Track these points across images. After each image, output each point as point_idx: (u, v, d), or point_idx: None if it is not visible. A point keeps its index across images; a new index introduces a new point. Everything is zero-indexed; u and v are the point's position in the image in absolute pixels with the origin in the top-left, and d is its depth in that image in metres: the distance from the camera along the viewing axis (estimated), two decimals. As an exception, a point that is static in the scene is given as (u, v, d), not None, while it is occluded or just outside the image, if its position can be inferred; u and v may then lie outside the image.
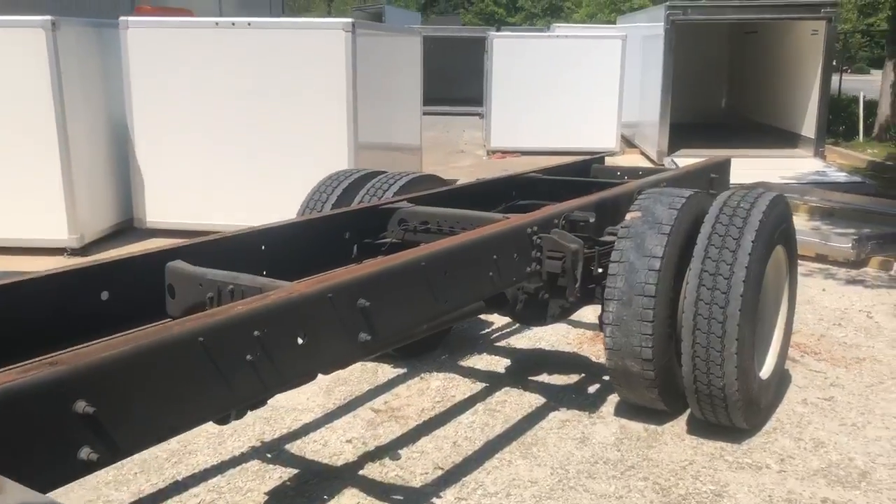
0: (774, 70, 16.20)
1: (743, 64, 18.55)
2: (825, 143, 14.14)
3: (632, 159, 15.18)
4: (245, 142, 8.33)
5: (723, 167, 5.92)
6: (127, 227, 8.77)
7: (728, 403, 3.67)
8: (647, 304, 3.69)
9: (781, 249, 4.06)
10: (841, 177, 11.73)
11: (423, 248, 3.00)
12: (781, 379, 4.44)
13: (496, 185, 5.26)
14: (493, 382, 4.63)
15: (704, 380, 3.65)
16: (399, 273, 2.80)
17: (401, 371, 4.76)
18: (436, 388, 4.52)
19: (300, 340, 2.43)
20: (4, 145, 7.71)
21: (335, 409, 4.23)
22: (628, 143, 16.80)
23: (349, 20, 7.99)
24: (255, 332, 2.27)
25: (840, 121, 17.07)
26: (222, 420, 2.47)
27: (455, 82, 24.30)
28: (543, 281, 3.77)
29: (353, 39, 8.00)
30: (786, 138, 15.04)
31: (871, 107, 16.52)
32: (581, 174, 6.04)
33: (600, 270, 3.93)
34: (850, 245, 7.45)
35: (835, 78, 19.30)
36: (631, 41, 15.59)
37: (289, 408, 4.23)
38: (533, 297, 3.91)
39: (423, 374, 4.71)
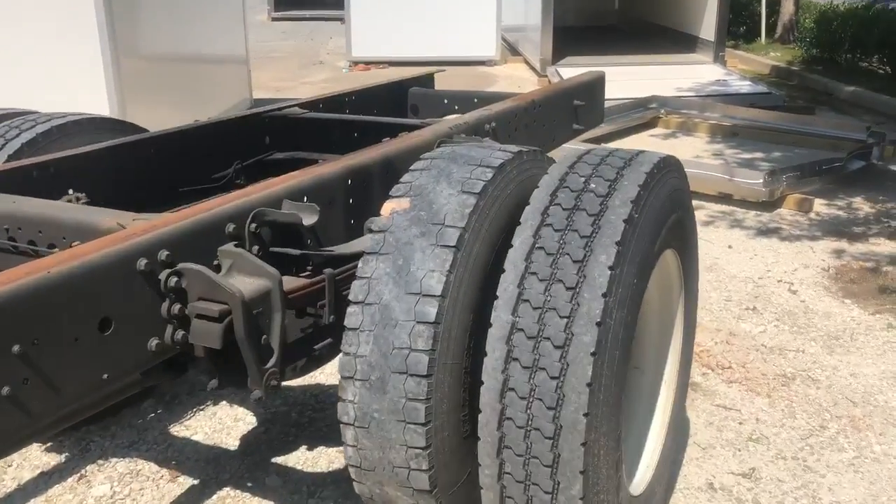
0: (671, -37, 14.39)
1: (637, -43, 16.65)
2: (725, 47, 12.55)
3: (513, 70, 13.26)
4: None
5: (592, 89, 4.07)
6: None
7: (573, 571, 1.91)
8: (414, 389, 1.84)
9: (672, 255, 2.26)
10: (745, 86, 10.15)
11: None
12: (674, 444, 2.72)
13: (234, 128, 3.26)
14: (208, 473, 2.76)
15: (526, 537, 1.86)
16: None
17: (54, 462, 2.82)
18: (95, 501, 2.61)
19: None
20: None
21: None
22: (513, 50, 14.83)
23: None
24: None
25: (741, 21, 15.50)
26: None
27: (324, -18, 21.54)
28: (204, 359, 1.86)
29: (96, -88, 5.67)
30: (684, 42, 13.37)
31: (774, 5, 14.96)
32: (388, 105, 4.09)
33: (332, 318, 2.04)
34: (761, 181, 5.83)
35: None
36: (511, -70, 13.45)
37: None
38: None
39: (90, 467, 2.78)
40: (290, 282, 1.95)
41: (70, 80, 5.72)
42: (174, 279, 1.73)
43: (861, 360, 3.56)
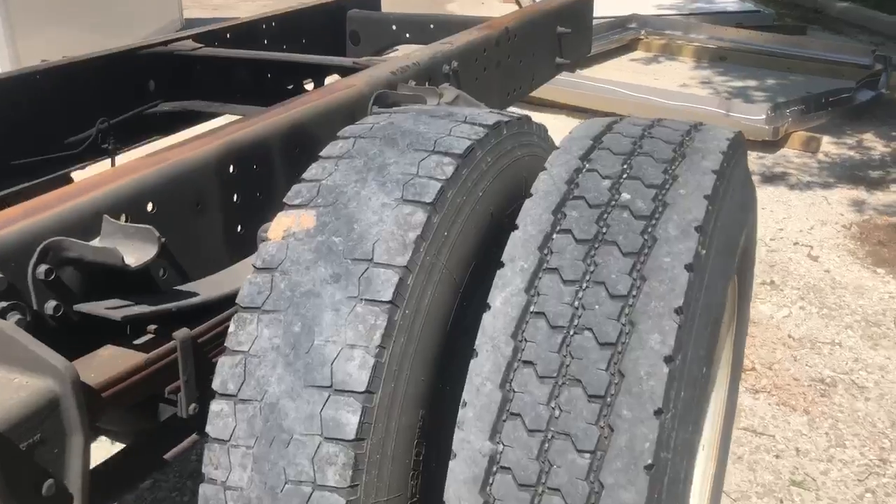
0: None
1: None
2: (706, -41, 11.57)
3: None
4: None
5: (579, 12, 3.22)
6: None
7: None
8: (323, 553, 1.07)
9: (731, 285, 1.49)
10: (730, 3, 9.26)
11: None
12: None
13: (102, 70, 2.37)
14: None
15: None
16: None
17: None
18: None
19: None
20: None
21: None
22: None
23: None
24: None
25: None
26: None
27: None
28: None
29: None
30: (659, -47, 12.34)
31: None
32: (321, 32, 3.19)
33: (193, 408, 1.24)
34: (763, 118, 5.06)
35: None
36: None
37: None
38: None
39: None
40: (109, 364, 1.15)
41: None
42: None
43: (912, 355, 2.89)
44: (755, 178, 4.59)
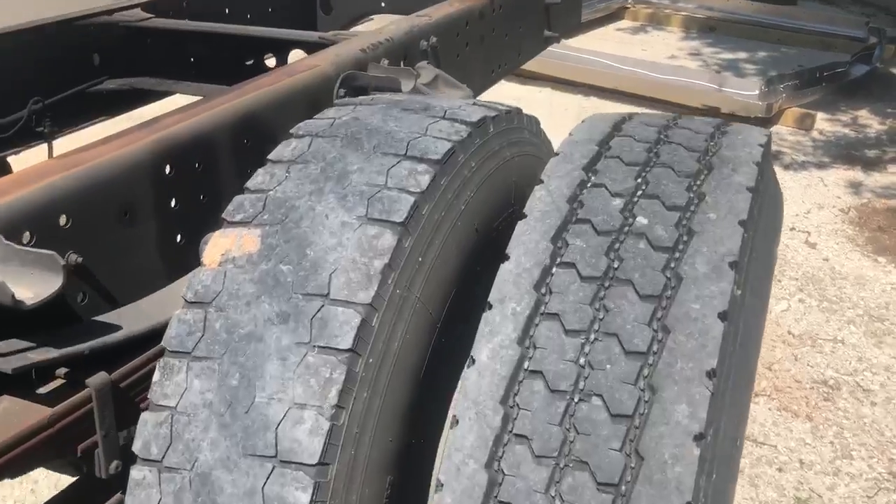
0: None
1: None
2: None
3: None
4: None
5: (570, -20, 2.98)
6: None
7: None
8: None
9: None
10: (718, -29, 9.01)
11: None
12: None
13: (38, 42, 2.10)
14: None
15: None
16: None
17: None
18: None
19: None
20: None
21: None
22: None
23: None
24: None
25: None
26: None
27: None
28: None
29: None
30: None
31: None
32: (289, 1, 2.93)
33: (115, 466, 1.03)
34: (756, 93, 4.86)
35: None
36: None
37: None
38: None
39: None
40: (2, 424, 0.93)
41: None
42: None
43: (919, 353, 2.72)
44: (748, 158, 4.43)
